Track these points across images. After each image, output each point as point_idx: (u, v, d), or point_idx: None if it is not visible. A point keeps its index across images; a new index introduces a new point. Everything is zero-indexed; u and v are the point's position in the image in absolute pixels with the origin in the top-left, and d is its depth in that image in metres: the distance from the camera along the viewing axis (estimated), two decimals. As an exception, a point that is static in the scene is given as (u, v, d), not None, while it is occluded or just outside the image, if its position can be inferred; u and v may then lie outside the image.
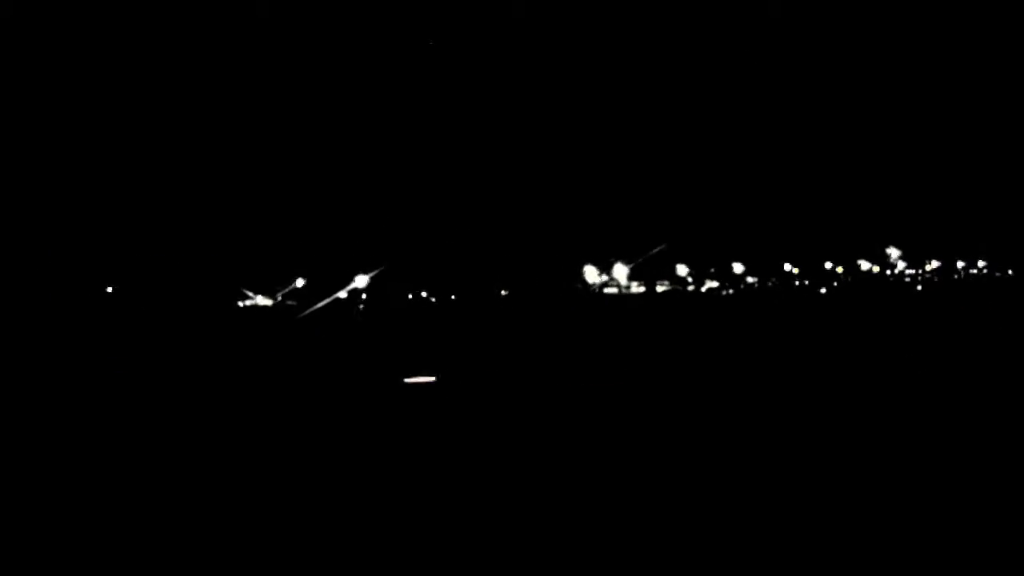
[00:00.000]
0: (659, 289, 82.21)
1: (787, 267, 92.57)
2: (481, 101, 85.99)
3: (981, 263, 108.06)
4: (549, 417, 13.60)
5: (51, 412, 15.99)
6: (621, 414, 13.60)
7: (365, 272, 77.57)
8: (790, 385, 16.06)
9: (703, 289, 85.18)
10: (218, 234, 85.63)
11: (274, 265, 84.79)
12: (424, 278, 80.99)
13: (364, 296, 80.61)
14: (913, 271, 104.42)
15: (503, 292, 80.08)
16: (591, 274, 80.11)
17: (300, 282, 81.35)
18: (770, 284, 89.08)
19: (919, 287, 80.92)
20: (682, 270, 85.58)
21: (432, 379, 18.89)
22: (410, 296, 79.91)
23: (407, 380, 18.84)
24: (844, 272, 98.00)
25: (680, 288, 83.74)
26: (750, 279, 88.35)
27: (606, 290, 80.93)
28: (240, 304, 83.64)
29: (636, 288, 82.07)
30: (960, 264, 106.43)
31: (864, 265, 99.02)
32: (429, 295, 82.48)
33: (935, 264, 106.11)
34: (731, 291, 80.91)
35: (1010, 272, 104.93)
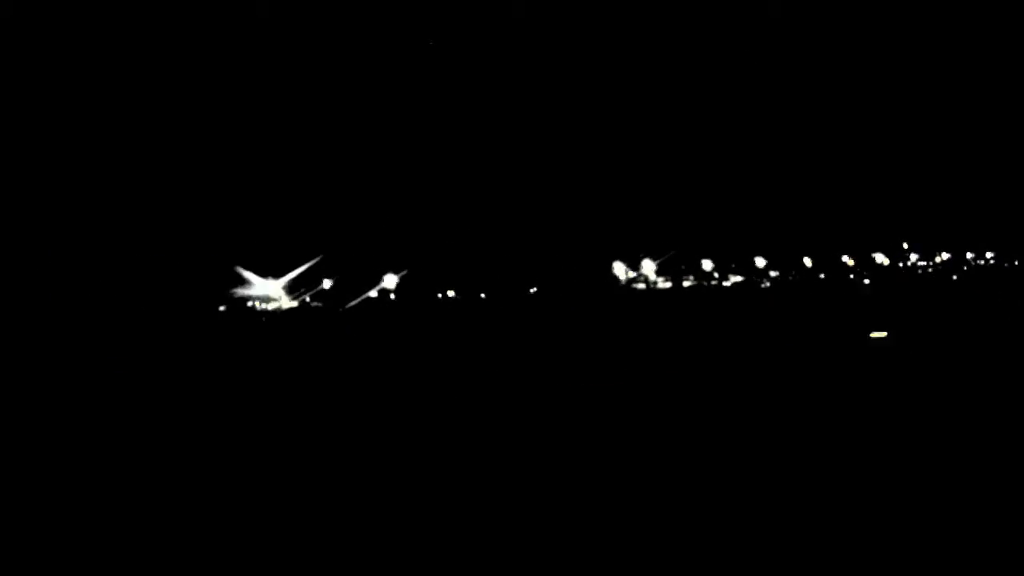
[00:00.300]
0: (685, 284, 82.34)
1: (807, 261, 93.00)
2: (502, 100, 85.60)
3: (989, 254, 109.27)
4: (582, 411, 13.63)
5: (79, 412, 15.83)
6: (652, 409, 13.58)
7: (395, 272, 77.20)
8: (814, 377, 16.18)
9: (727, 284, 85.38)
10: (237, 236, 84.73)
11: (288, 267, 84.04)
12: (451, 277, 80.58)
13: (393, 296, 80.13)
14: (925, 263, 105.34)
15: (532, 290, 79.81)
16: (619, 270, 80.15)
17: (327, 283, 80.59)
18: (791, 278, 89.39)
19: (933, 279, 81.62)
20: (707, 265, 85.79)
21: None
22: (440, 295, 79.50)
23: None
24: (857, 265, 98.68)
25: (705, 283, 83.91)
26: (773, 273, 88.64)
27: (634, 286, 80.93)
28: (262, 307, 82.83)
29: (663, 284, 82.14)
30: (969, 255, 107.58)
31: (879, 258, 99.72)
32: (457, 294, 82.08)
33: (946, 256, 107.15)
34: (767, 283, 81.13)
35: (1016, 263, 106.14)
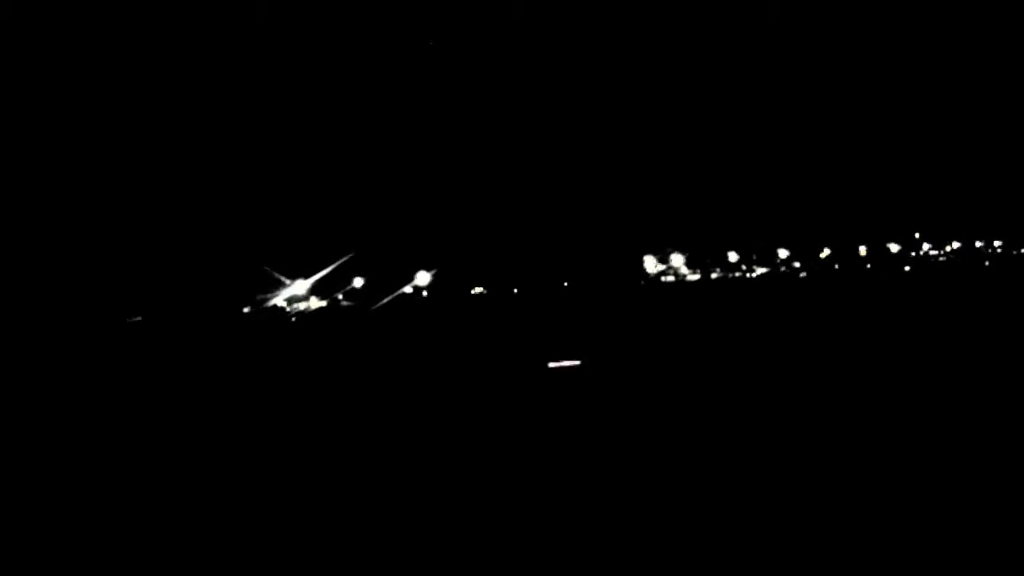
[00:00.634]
0: (713, 276, 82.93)
1: (826, 251, 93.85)
2: (525, 95, 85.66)
3: (997, 243, 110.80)
4: (629, 407, 13.57)
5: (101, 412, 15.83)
6: (697, 405, 13.50)
7: (427, 270, 77.12)
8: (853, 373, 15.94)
9: (753, 275, 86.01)
10: (262, 236, 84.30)
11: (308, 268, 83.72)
12: (483, 273, 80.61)
13: (426, 294, 80.00)
14: (937, 252, 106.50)
15: (565, 284, 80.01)
16: (650, 264, 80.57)
17: (359, 282, 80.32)
18: (812, 269, 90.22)
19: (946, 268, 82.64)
20: (732, 257, 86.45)
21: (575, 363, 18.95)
22: (473, 291, 79.50)
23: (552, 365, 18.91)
24: (870, 254, 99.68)
25: (731, 275, 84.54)
26: (796, 264, 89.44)
27: (663, 279, 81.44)
28: (289, 308, 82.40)
29: (691, 276, 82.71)
30: (978, 244, 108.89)
31: (894, 248, 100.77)
32: (486, 289, 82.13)
33: (956, 245, 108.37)
34: (804, 273, 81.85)
35: (1023, 251, 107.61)
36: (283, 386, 20.06)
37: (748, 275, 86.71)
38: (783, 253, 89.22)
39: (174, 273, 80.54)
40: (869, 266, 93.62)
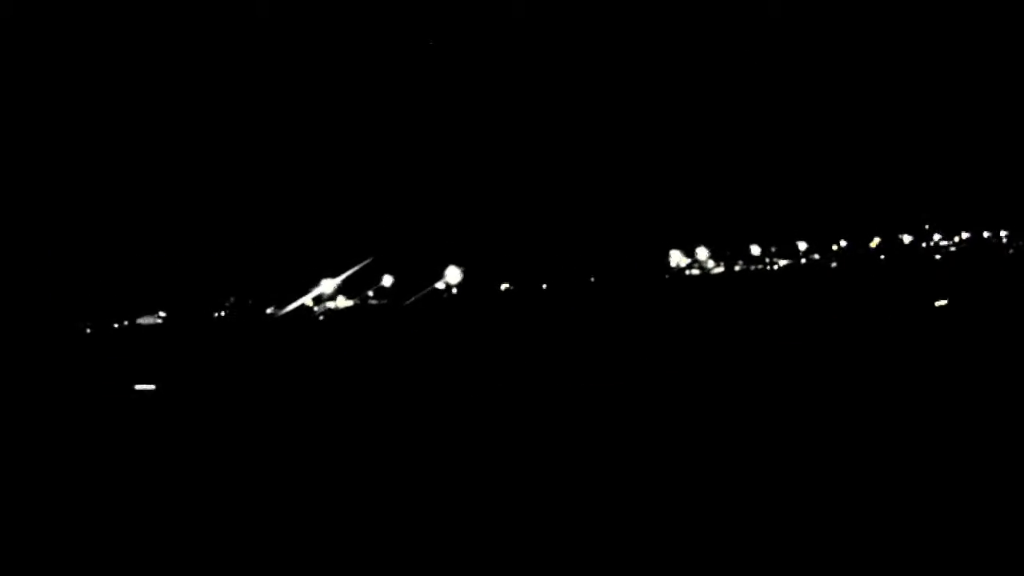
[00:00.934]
0: (736, 269, 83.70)
1: (842, 243, 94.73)
2: (541, 94, 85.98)
3: (1004, 233, 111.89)
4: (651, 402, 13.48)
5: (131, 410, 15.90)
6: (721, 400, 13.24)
7: (457, 266, 77.40)
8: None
9: (775, 268, 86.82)
10: (288, 235, 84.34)
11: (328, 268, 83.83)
12: (510, 269, 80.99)
13: (455, 291, 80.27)
14: (947, 242, 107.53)
15: (592, 279, 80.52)
16: (676, 258, 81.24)
17: (388, 280, 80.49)
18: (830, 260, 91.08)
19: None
20: (755, 250, 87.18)
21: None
22: (502, 288, 79.87)
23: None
24: (882, 245, 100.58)
25: (753, 268, 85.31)
26: (816, 256, 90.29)
27: (688, 272, 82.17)
28: (316, 308, 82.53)
29: (716, 269, 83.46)
30: (986, 234, 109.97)
31: (906, 239, 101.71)
32: (512, 286, 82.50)
33: (966, 235, 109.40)
34: (833, 263, 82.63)
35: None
36: (312, 383, 19.95)
37: (769, 268, 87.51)
38: (802, 246, 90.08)
39: (202, 273, 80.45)
40: (883, 257, 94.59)
